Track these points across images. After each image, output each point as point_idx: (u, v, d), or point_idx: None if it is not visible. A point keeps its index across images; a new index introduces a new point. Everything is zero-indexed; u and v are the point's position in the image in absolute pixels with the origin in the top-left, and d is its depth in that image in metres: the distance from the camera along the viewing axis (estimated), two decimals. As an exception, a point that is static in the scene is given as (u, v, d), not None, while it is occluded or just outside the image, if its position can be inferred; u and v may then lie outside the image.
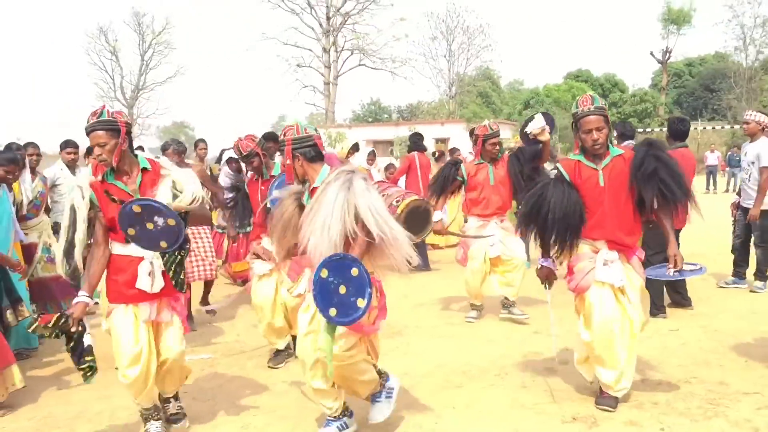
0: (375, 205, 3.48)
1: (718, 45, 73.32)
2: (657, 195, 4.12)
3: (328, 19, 51.28)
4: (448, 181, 6.64)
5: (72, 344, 3.74)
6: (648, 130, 40.66)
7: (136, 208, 3.58)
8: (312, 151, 3.79)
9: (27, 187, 6.49)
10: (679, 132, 7.08)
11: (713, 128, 43.27)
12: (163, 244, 3.68)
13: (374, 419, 3.87)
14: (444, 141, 41.30)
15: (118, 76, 49.93)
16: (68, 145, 7.80)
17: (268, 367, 5.42)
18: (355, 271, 3.38)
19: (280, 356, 5.51)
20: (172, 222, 3.63)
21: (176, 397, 4.17)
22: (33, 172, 6.95)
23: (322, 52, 51.67)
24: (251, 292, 5.49)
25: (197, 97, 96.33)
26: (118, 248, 3.83)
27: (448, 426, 4.08)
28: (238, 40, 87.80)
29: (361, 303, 3.35)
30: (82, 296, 3.75)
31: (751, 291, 7.59)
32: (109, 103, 49.28)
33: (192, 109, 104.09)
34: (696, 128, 38.47)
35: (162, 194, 3.76)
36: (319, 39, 51.72)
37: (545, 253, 4.46)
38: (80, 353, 3.74)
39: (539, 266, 4.55)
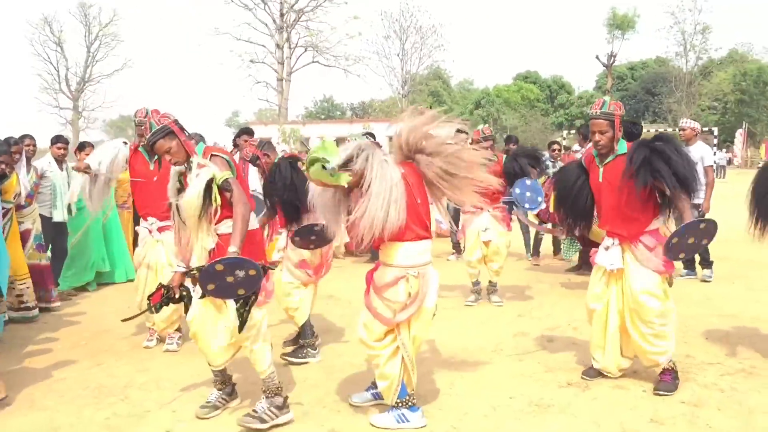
0: None
1: (660, 50, 75.92)
2: (656, 182, 4.41)
3: (282, 15, 51.20)
4: None
5: (185, 305, 4.34)
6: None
7: (219, 267, 3.64)
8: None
9: (23, 178, 6.87)
10: (633, 135, 7.84)
11: (655, 130, 45.06)
12: (241, 291, 3.76)
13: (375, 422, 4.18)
14: (397, 139, 42.09)
15: (63, 68, 49.09)
16: (59, 140, 8.17)
17: (281, 356, 5.46)
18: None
19: (300, 351, 5.52)
20: (253, 272, 3.69)
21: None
22: (28, 162, 7.34)
23: (275, 48, 51.57)
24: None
25: (146, 90, 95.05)
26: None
27: (462, 390, 4.69)
28: (191, 34, 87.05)
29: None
30: (178, 267, 4.28)
31: (702, 281, 8.40)
32: (54, 95, 48.39)
33: (140, 103, 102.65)
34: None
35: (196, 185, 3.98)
36: (272, 35, 51.56)
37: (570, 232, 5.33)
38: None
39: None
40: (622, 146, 4.69)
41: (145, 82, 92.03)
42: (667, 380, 4.64)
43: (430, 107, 4.84)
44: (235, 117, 59.93)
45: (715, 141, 31.67)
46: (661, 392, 4.56)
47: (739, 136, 42.68)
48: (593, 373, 4.93)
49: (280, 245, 5.63)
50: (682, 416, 4.21)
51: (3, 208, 5.94)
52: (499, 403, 4.47)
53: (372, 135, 10.38)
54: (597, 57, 53.94)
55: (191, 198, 3.92)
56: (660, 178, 4.36)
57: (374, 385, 4.32)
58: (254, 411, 4.06)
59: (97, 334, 6.37)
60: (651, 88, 55.06)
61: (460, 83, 64.40)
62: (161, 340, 5.98)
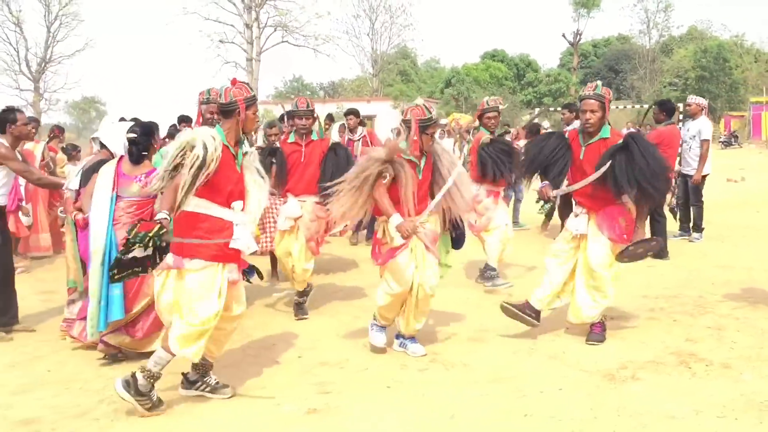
0: None
1: (624, 28, 77.68)
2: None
3: (251, -6, 51.19)
4: None
5: (158, 255, 4.22)
6: (560, 109, 43.31)
7: None
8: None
9: None
10: (672, 111, 8.87)
11: (617, 108, 46.47)
12: None
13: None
14: (371, 118, 42.72)
15: (23, 49, 48.30)
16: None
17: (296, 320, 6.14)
18: None
19: (302, 309, 6.20)
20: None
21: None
22: None
23: (244, 28, 51.56)
24: (275, 245, 6.34)
25: (111, 71, 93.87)
26: (216, 210, 4.06)
27: (484, 354, 5.10)
28: (158, 13, 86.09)
29: None
30: (164, 213, 4.21)
31: (689, 241, 9.47)
32: (13, 76, 47.75)
33: (104, 84, 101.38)
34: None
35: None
36: (241, 15, 51.45)
37: (543, 179, 5.49)
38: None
39: (540, 187, 5.56)
40: (606, 131, 5.19)
41: (108, 63, 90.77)
42: (597, 331, 5.23)
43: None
44: (206, 96, 59.79)
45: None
46: (593, 342, 5.15)
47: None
48: (528, 308, 5.33)
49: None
50: (709, 336, 5.24)
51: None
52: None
53: (356, 113, 10.75)
54: (563, 35, 55.20)
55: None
56: (627, 191, 5.01)
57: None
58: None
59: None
60: (614, 66, 56.47)
61: (427, 62, 64.95)
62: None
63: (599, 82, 5.31)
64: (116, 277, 4.24)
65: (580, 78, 55.85)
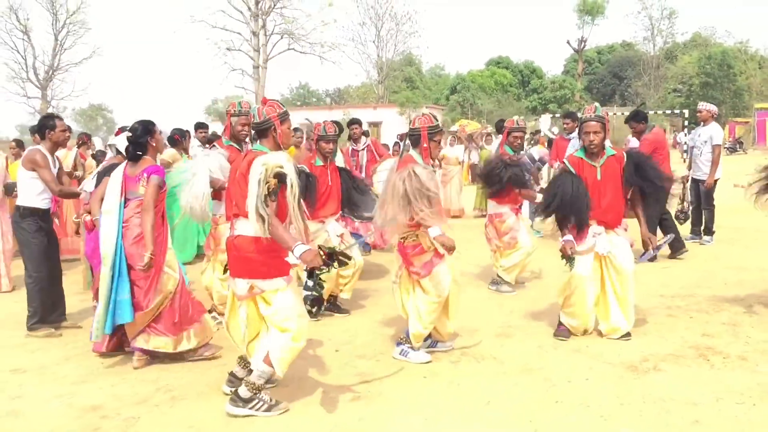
0: None
1: (628, 35, 78.10)
2: (642, 194, 5.52)
3: (257, 2, 51.58)
4: None
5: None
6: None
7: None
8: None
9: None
10: (645, 116, 9.12)
11: (622, 114, 46.77)
12: None
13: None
14: (377, 125, 43.06)
15: (30, 57, 48.75)
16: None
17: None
18: None
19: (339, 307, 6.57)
20: None
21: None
22: None
23: (251, 35, 51.97)
24: None
25: (118, 79, 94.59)
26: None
27: (511, 349, 5.42)
28: (166, 21, 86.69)
29: None
30: (302, 247, 3.96)
31: (700, 244, 9.73)
32: (21, 84, 48.14)
33: (111, 92, 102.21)
34: (611, 114, 41.78)
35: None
36: (248, 23, 51.92)
37: (563, 232, 5.42)
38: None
39: (562, 242, 5.41)
40: (609, 148, 5.51)
41: (116, 71, 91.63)
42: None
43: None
44: (215, 105, 60.27)
45: (686, 123, 33.45)
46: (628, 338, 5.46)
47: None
48: (566, 333, 5.56)
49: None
50: (725, 332, 5.52)
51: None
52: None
53: (359, 122, 10.85)
54: (568, 42, 55.65)
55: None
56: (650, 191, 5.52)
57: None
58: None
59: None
60: (618, 72, 56.87)
61: (431, 69, 65.47)
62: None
63: (597, 105, 5.56)
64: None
65: (584, 84, 56.25)
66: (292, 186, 3.97)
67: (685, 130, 31.62)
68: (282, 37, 52.61)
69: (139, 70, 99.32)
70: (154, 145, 5.25)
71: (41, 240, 6.01)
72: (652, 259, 8.20)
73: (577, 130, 9.66)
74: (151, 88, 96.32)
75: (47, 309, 6.07)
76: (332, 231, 6.37)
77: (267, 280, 4.09)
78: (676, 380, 4.56)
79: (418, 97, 50.62)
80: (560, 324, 5.64)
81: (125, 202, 5.13)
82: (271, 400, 4.22)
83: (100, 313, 4.99)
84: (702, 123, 9.93)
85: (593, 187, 5.41)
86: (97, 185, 5.79)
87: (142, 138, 5.15)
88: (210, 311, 5.95)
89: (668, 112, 40.42)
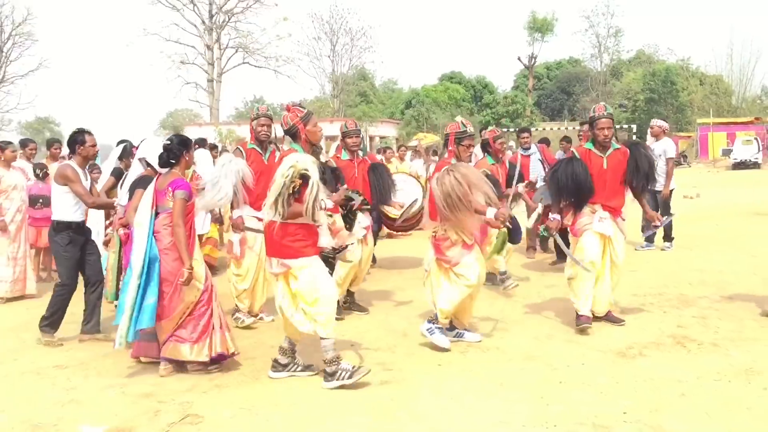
0: None
1: (576, 52, 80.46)
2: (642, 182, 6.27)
3: (211, 16, 51.49)
4: None
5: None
6: (515, 129, 44.97)
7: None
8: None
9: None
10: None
11: (574, 128, 48.33)
12: None
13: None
14: (334, 138, 43.49)
15: (-25, 68, 47.65)
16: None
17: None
18: None
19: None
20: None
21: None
22: None
23: (205, 49, 51.87)
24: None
25: (67, 91, 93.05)
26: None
27: (511, 340, 6.15)
28: (118, 34, 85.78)
29: None
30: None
31: (661, 249, 10.47)
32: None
33: (59, 105, 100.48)
34: (559, 128, 43.28)
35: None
36: (201, 36, 51.81)
37: (555, 211, 6.32)
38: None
39: (551, 219, 6.34)
40: (613, 143, 6.30)
41: (66, 83, 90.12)
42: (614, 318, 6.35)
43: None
44: (170, 117, 59.91)
45: (634, 137, 34.86)
46: (619, 323, 6.26)
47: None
48: (586, 319, 6.09)
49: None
50: (696, 324, 6.21)
51: None
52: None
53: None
54: (519, 58, 57.28)
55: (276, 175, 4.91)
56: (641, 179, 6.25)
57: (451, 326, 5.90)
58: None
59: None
60: (567, 88, 58.66)
61: (384, 83, 66.26)
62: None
63: (605, 104, 6.39)
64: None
65: (534, 100, 57.81)
66: (312, 187, 4.68)
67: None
68: (236, 51, 52.75)
69: (91, 83, 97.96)
70: (187, 159, 5.48)
71: (73, 253, 6.26)
72: (650, 238, 10.01)
73: (533, 144, 10.46)
74: (103, 101, 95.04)
75: (59, 318, 6.29)
76: (359, 222, 6.75)
77: (294, 259, 4.83)
78: (661, 363, 5.21)
79: (374, 111, 51.30)
80: (578, 315, 6.15)
81: (156, 215, 5.32)
82: (352, 367, 4.88)
83: (124, 322, 5.11)
84: (655, 138, 10.77)
85: (599, 175, 6.16)
86: (130, 198, 6.02)
87: (178, 149, 5.38)
88: (233, 314, 6.51)
89: (616, 127, 41.97)
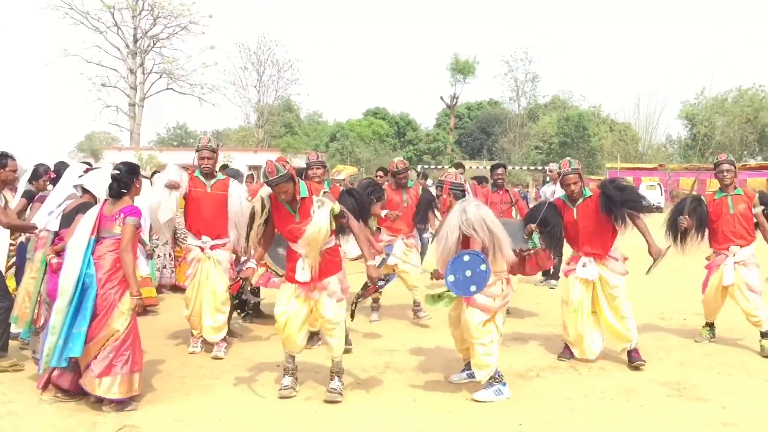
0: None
1: (496, 94, 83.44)
2: (627, 212, 6.18)
3: (135, 41, 50.95)
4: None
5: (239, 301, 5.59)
6: (440, 167, 46.31)
7: (466, 258, 5.10)
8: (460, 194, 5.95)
9: None
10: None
11: (485, 167, 49.99)
12: (473, 288, 5.14)
13: (479, 398, 5.45)
14: (257, 169, 43.61)
15: None
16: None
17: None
18: (483, 267, 5.11)
19: (314, 338, 6.67)
20: (484, 267, 5.07)
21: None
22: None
23: (128, 73, 51.15)
24: None
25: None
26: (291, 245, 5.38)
27: (429, 362, 6.72)
28: (35, 54, 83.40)
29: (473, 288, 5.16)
30: (252, 263, 5.54)
31: (550, 288, 10.97)
32: None
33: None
34: (478, 167, 44.78)
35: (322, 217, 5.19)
36: (125, 60, 51.10)
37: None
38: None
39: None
40: (586, 191, 6.43)
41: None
42: (636, 356, 6.36)
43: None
44: (89, 141, 58.59)
45: (546, 179, 36.53)
46: (641, 363, 6.27)
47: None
48: (568, 355, 6.58)
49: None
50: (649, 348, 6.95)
51: None
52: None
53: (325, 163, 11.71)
54: (441, 98, 58.93)
55: (319, 226, 5.17)
56: (622, 211, 6.19)
57: (467, 367, 5.83)
58: (332, 388, 5.42)
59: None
60: (486, 128, 60.57)
61: (309, 116, 66.85)
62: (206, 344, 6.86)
63: (570, 159, 6.54)
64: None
65: (455, 138, 59.54)
66: (258, 213, 5.40)
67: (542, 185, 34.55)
68: (160, 77, 52.20)
69: (2, 103, 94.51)
70: (137, 186, 5.45)
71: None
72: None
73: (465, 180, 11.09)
74: (16, 121, 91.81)
75: (6, 339, 6.16)
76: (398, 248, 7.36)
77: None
78: (555, 383, 5.89)
79: (299, 143, 51.74)
80: (565, 347, 6.65)
81: (98, 240, 5.24)
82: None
83: (51, 347, 5.02)
84: (553, 182, 11.68)
85: (571, 225, 6.45)
86: (64, 224, 5.79)
87: (128, 177, 5.36)
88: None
89: (531, 167, 43.87)
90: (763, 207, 6.98)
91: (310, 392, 5.59)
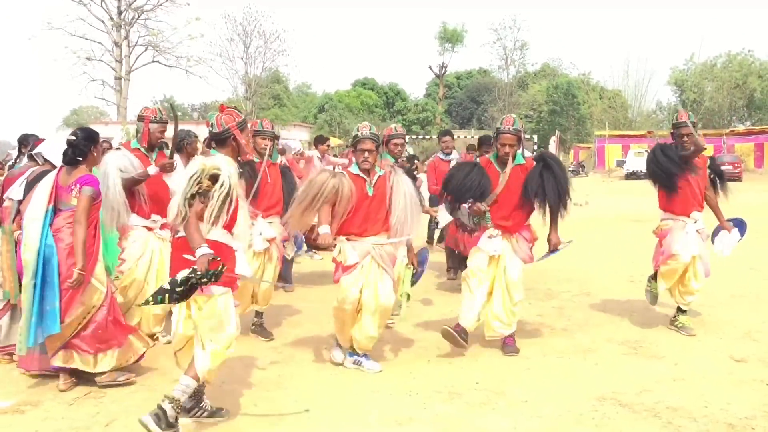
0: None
1: (485, 63, 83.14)
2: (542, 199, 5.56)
3: (120, 13, 50.36)
4: None
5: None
6: (428, 137, 46.35)
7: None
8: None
9: None
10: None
11: (473, 137, 50.04)
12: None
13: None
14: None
15: None
16: None
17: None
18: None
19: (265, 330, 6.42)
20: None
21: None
22: None
23: (113, 46, 50.64)
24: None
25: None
26: (227, 237, 4.21)
27: (398, 327, 7.21)
28: (18, 27, 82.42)
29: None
30: (206, 248, 3.91)
31: None
32: None
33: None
34: (467, 136, 44.79)
35: None
36: (109, 32, 50.57)
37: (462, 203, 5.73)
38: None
39: (468, 205, 5.68)
40: (519, 158, 5.68)
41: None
42: (511, 343, 5.82)
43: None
44: (74, 115, 58.30)
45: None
46: (512, 353, 5.72)
47: (553, 142, 48.61)
48: (462, 331, 5.64)
49: None
50: (554, 313, 7.10)
51: None
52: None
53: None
54: (430, 67, 58.85)
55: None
56: (545, 196, 5.57)
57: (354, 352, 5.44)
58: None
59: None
60: (476, 97, 60.64)
61: (297, 87, 66.57)
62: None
63: (515, 116, 5.68)
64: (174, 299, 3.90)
65: (445, 108, 59.51)
66: (221, 186, 4.01)
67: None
68: (146, 49, 51.52)
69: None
70: (95, 155, 5.14)
71: None
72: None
73: (454, 148, 10.32)
74: (1, 96, 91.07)
75: None
76: (260, 234, 6.16)
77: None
78: (518, 344, 6.01)
79: (287, 114, 51.58)
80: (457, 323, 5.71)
81: (56, 212, 5.00)
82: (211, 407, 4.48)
83: (23, 325, 4.88)
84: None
85: (496, 189, 5.61)
86: (26, 193, 5.49)
87: (84, 144, 5.02)
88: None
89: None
90: (710, 172, 6.56)
91: (276, 356, 5.74)
